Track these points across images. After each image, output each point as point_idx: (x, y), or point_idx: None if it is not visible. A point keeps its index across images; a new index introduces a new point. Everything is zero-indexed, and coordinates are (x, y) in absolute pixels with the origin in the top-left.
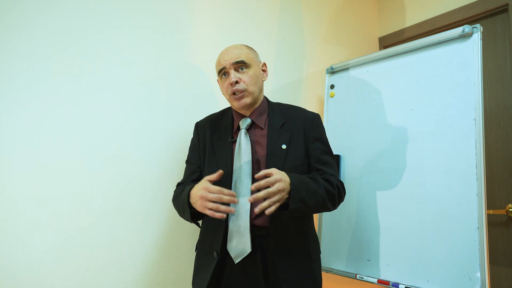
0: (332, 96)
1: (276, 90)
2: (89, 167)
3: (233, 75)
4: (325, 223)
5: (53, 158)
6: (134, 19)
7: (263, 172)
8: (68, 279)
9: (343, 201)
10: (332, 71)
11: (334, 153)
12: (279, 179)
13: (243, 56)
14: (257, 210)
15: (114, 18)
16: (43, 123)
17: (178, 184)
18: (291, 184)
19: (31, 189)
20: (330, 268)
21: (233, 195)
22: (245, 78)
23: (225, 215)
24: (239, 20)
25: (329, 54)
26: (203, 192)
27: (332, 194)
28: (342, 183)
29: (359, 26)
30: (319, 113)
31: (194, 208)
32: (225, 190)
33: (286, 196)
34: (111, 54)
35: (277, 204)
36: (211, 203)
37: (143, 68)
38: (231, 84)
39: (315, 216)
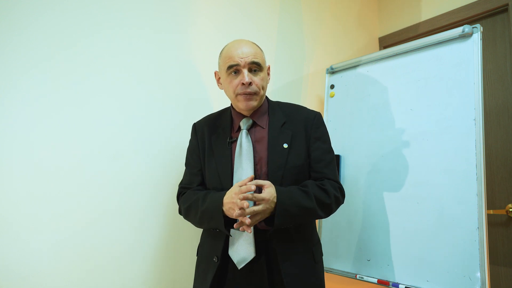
0: (332, 96)
1: (276, 90)
2: (89, 168)
3: (247, 76)
4: (325, 223)
5: (53, 159)
6: (134, 20)
7: (260, 182)
8: (68, 279)
9: (342, 203)
10: (332, 71)
11: (334, 153)
12: (266, 199)
13: (258, 57)
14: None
15: (114, 18)
16: (42, 123)
17: (182, 187)
18: (277, 203)
19: (31, 190)
20: (330, 268)
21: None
22: (257, 81)
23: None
24: (239, 20)
25: (329, 54)
26: (235, 198)
27: (326, 205)
28: (341, 189)
29: (359, 26)
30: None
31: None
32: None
33: (269, 213)
34: (110, 55)
35: (257, 220)
36: (237, 210)
37: (143, 69)
38: (244, 84)
39: None
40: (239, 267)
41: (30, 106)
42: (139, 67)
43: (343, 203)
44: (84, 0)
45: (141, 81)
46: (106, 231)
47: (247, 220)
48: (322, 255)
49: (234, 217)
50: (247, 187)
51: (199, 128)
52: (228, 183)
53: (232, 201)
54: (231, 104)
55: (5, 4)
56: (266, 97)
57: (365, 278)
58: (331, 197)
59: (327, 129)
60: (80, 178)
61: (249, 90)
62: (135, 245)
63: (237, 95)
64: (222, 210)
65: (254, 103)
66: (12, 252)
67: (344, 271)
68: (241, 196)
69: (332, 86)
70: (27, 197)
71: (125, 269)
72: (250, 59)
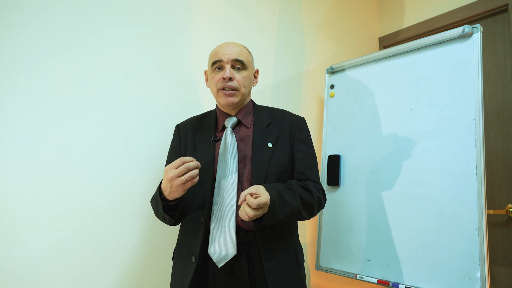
0: (332, 96)
1: (276, 90)
2: (87, 168)
3: (228, 71)
4: (325, 223)
5: (52, 159)
6: (134, 19)
7: (248, 192)
8: (68, 278)
9: (323, 208)
10: (332, 71)
11: (334, 153)
12: (266, 195)
13: (243, 56)
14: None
15: (114, 18)
16: (41, 123)
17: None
18: (270, 200)
19: (30, 190)
20: (330, 268)
21: (193, 160)
22: (239, 78)
23: (197, 178)
24: (239, 20)
25: (329, 54)
26: (169, 173)
27: (310, 205)
28: (323, 191)
29: (359, 26)
30: (317, 114)
31: (168, 201)
32: (186, 158)
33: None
34: (110, 55)
35: (259, 214)
36: (183, 177)
37: (142, 69)
38: (224, 78)
39: (315, 216)
40: (219, 265)
41: (30, 106)
42: (139, 67)
43: (323, 207)
44: (83, 0)
45: (140, 81)
46: (105, 231)
47: (250, 213)
48: (304, 260)
49: (186, 186)
50: (185, 166)
51: (182, 128)
52: (209, 180)
53: (167, 178)
54: (216, 105)
55: (5, 4)
56: (252, 100)
57: (365, 278)
58: (314, 197)
59: (327, 129)
60: (79, 178)
61: (228, 84)
62: (134, 244)
63: (218, 90)
64: (160, 195)
65: (234, 100)
66: (12, 252)
67: (344, 271)
68: (247, 199)
69: (332, 86)
70: (26, 198)
71: (125, 268)
72: (233, 56)
